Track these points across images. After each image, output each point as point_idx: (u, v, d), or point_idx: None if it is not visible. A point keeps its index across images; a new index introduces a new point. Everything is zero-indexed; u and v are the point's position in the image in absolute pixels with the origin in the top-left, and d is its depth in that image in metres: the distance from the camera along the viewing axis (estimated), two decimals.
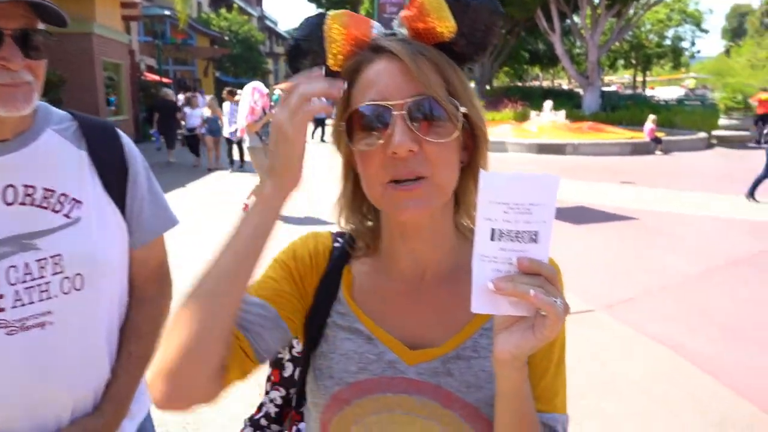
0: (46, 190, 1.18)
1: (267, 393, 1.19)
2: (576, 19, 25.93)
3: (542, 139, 17.86)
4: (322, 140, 18.78)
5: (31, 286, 1.15)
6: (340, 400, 0.90)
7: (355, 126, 0.83)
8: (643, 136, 17.53)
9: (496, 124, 20.90)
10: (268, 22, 62.18)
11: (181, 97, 18.23)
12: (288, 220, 8.27)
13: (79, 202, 1.22)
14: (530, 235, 0.69)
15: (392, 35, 0.86)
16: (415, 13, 0.82)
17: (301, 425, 1.08)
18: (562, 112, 20.55)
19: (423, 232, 0.90)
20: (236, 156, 13.60)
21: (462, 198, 0.92)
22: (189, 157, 14.78)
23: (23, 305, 1.14)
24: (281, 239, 1.02)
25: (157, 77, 24.75)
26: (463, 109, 0.82)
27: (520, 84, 46.65)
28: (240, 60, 40.35)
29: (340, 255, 0.98)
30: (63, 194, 1.20)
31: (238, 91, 19.93)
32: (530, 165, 14.77)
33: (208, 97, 15.07)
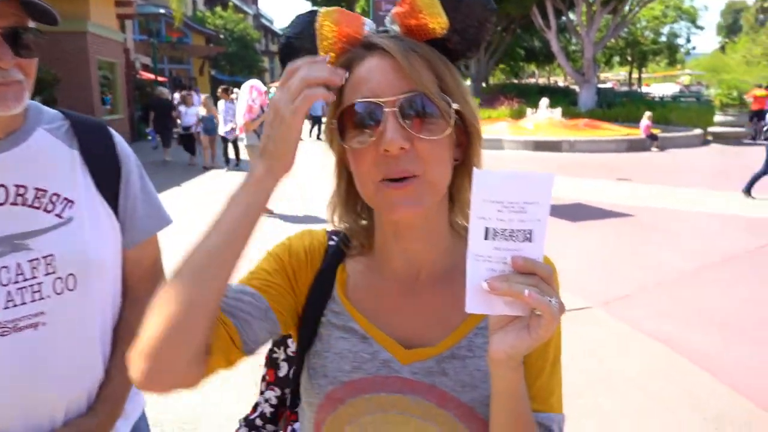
0: (38, 189, 1.18)
1: (262, 393, 1.18)
2: (572, 15, 25.96)
3: (538, 136, 17.88)
4: (319, 138, 18.77)
5: (24, 287, 1.14)
6: (334, 400, 0.90)
7: (346, 123, 0.82)
8: (639, 132, 17.56)
9: (493, 122, 20.92)
10: (263, 21, 62.09)
11: (177, 96, 18.18)
12: (283, 218, 8.26)
13: (71, 201, 1.21)
14: (525, 233, 0.68)
15: (384, 32, 0.85)
16: (406, 10, 0.82)
17: (296, 425, 1.07)
18: (558, 110, 20.57)
19: (417, 231, 0.90)
20: (232, 155, 13.58)
21: (456, 196, 0.92)
22: (184, 155, 14.76)
23: (15, 306, 1.13)
24: (275, 236, 1.01)
25: (152, 76, 24.67)
26: (455, 106, 0.82)
27: (516, 81, 46.67)
28: (236, 58, 40.30)
29: (335, 253, 0.98)
30: (55, 194, 1.19)
31: (236, 90, 19.90)
32: (526, 162, 14.79)
33: (203, 96, 15.02)
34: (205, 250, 0.76)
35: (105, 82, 18.34)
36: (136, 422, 1.41)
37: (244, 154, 13.11)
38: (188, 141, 14.68)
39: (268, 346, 1.19)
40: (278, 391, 1.17)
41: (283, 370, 1.16)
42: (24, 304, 1.14)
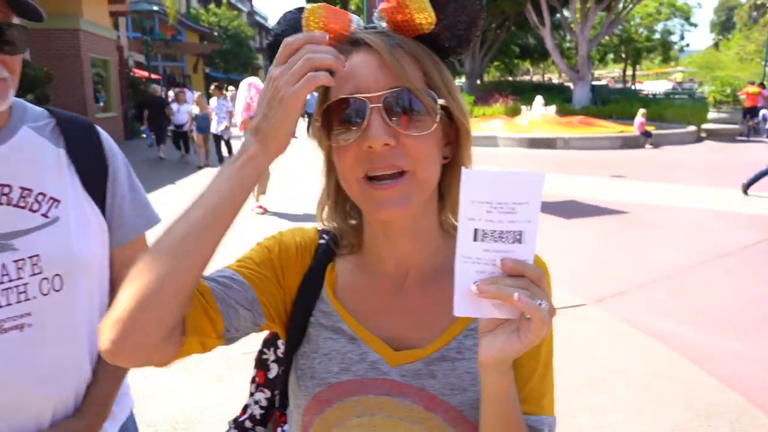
0: (23, 189, 1.16)
1: (252, 394, 1.17)
2: (566, 12, 25.98)
3: (533, 133, 17.90)
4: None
5: (9, 288, 1.12)
6: (321, 402, 0.89)
7: (332, 120, 0.81)
8: (633, 130, 17.60)
9: (487, 119, 20.95)
10: (257, 18, 61.90)
11: (171, 93, 18.11)
12: (276, 215, 8.24)
13: (57, 201, 1.19)
14: (514, 235, 0.67)
15: (372, 28, 0.84)
16: (393, 6, 0.81)
17: (286, 427, 1.06)
18: (553, 107, 20.59)
19: (405, 231, 0.89)
20: (225, 152, 13.53)
21: (446, 194, 0.91)
22: (178, 153, 14.69)
23: (1, 307, 1.11)
24: (265, 233, 1.00)
25: (146, 73, 24.58)
26: (441, 102, 0.81)
27: (510, 78, 46.70)
28: (230, 56, 40.17)
29: (325, 252, 0.97)
30: (41, 193, 1.18)
31: (231, 87, 19.84)
32: (521, 159, 14.80)
33: (196, 94, 14.96)
34: (186, 223, 0.74)
35: (98, 80, 18.24)
36: (124, 423, 1.40)
37: None
38: (179, 138, 14.61)
39: (252, 343, 1.17)
40: (268, 393, 1.15)
41: (273, 371, 1.15)
42: (9, 305, 1.12)
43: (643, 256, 6.55)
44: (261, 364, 1.16)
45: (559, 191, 9.84)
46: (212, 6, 42.49)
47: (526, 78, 57.10)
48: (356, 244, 0.95)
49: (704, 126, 19.72)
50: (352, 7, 27.58)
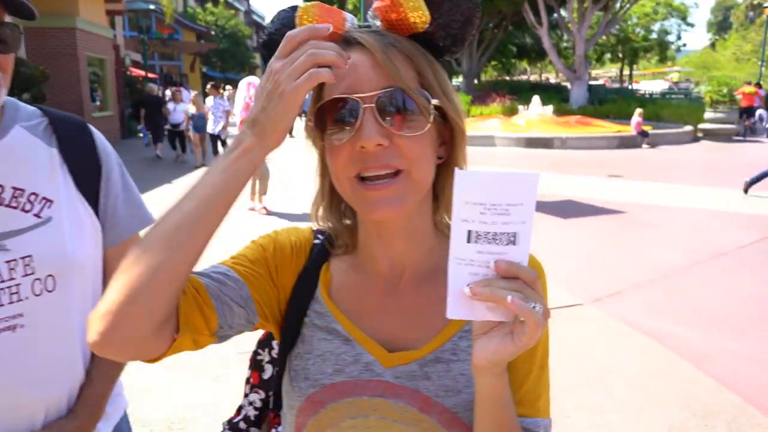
0: (16, 189, 1.15)
1: (246, 395, 1.17)
2: (563, 12, 25.98)
3: (530, 133, 17.92)
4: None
5: (1, 289, 1.11)
6: (315, 403, 0.88)
7: (326, 119, 0.81)
8: (630, 129, 17.62)
9: (485, 119, 20.97)
10: (255, 17, 61.80)
11: (168, 92, 18.07)
12: (274, 215, 8.23)
13: (49, 201, 1.18)
14: (508, 236, 0.66)
15: (366, 27, 0.83)
16: (387, 4, 0.80)
17: (280, 428, 1.05)
18: (550, 107, 20.61)
19: (400, 231, 0.88)
20: (221, 151, 13.50)
21: (441, 195, 0.90)
22: (173, 152, 14.65)
23: None
24: (259, 232, 1.00)
25: (142, 72, 24.52)
26: (435, 102, 0.80)
27: (507, 78, 46.71)
28: (227, 55, 40.12)
29: (320, 252, 0.96)
30: (33, 193, 1.17)
31: (228, 87, 19.73)
32: (518, 159, 14.81)
33: (192, 93, 14.92)
34: (178, 214, 0.72)
35: (95, 79, 18.19)
36: (118, 424, 1.39)
37: None
38: (173, 137, 14.56)
39: (248, 343, 1.17)
40: (263, 394, 1.15)
41: (268, 372, 1.14)
42: (2, 306, 1.11)
43: (639, 256, 6.55)
44: (256, 364, 1.16)
45: (556, 191, 9.85)
46: (209, 5, 42.44)
47: (524, 77, 57.12)
48: (351, 244, 0.95)
49: (701, 126, 19.77)
50: (350, 6, 27.56)
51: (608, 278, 5.75)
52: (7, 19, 1.12)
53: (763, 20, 34.88)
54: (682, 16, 46.77)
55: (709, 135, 19.32)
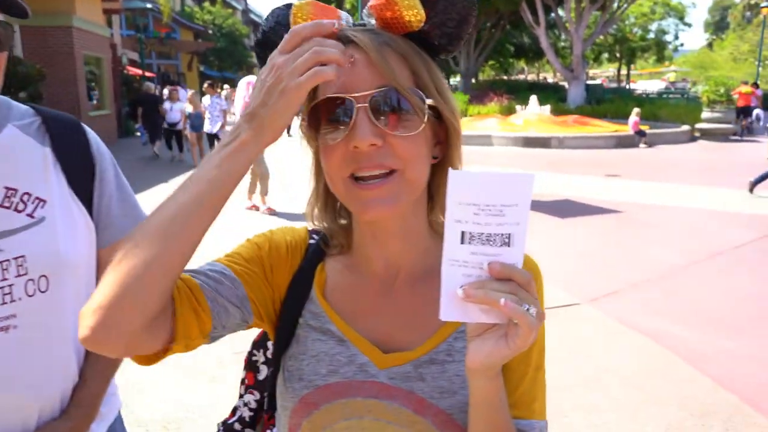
0: (8, 189, 1.14)
1: (241, 396, 1.16)
2: (561, 12, 25.99)
3: (528, 132, 17.93)
4: None
5: None
6: (309, 404, 0.87)
7: (320, 119, 0.80)
8: (628, 129, 17.64)
9: (482, 118, 20.97)
10: (252, 16, 61.71)
11: (165, 91, 18.04)
12: (273, 214, 8.22)
13: (43, 200, 1.17)
14: (503, 238, 0.65)
15: (361, 26, 0.82)
16: (383, 2, 0.79)
17: (275, 430, 1.05)
18: (547, 106, 20.62)
19: (394, 231, 0.88)
20: None
21: (436, 195, 0.89)
22: (174, 151, 14.62)
23: None
24: (255, 231, 0.99)
25: (140, 71, 24.47)
26: (429, 101, 0.79)
27: (505, 78, 46.75)
28: (224, 54, 40.07)
29: (315, 252, 0.96)
30: (26, 193, 1.15)
31: (226, 86, 19.62)
32: (516, 158, 14.82)
33: (189, 92, 14.89)
34: (173, 207, 0.71)
35: (91, 78, 18.14)
36: (112, 424, 1.38)
37: None
38: (170, 136, 14.52)
39: (244, 342, 1.16)
40: (257, 395, 1.14)
41: (263, 373, 1.13)
42: None
43: (637, 256, 6.56)
44: (251, 365, 1.15)
45: (554, 190, 9.86)
46: (207, 4, 42.37)
47: (521, 77, 57.18)
48: (346, 244, 0.94)
49: (698, 125, 19.80)
50: (347, 5, 27.54)
51: (605, 278, 5.76)
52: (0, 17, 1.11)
53: (761, 20, 34.95)
54: (680, 15, 46.87)
55: (707, 135, 19.35)
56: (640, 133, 17.26)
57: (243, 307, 0.85)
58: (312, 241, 0.97)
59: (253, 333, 1.11)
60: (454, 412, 0.84)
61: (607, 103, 24.60)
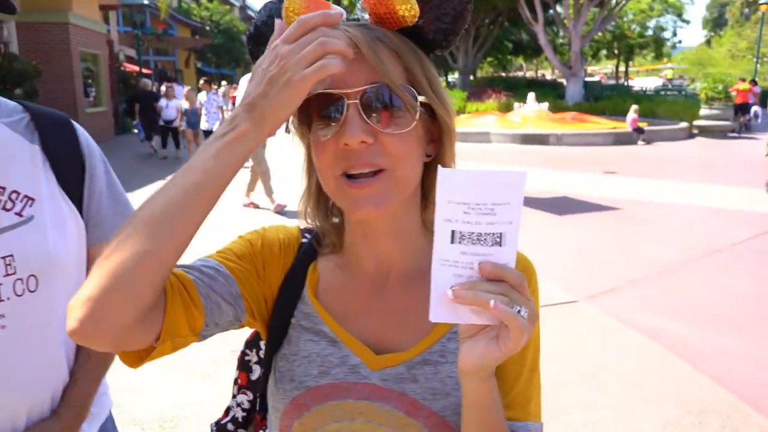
0: None
1: (234, 396, 1.15)
2: (559, 9, 25.96)
3: (526, 129, 17.92)
4: None
5: None
6: (300, 406, 0.86)
7: (311, 114, 0.78)
8: (626, 126, 17.64)
9: (480, 115, 20.94)
10: (250, 12, 61.53)
11: (164, 88, 18.01)
12: (268, 213, 8.20)
13: (31, 199, 1.15)
14: (494, 237, 0.63)
15: (355, 20, 0.81)
16: None
17: (267, 431, 1.03)
18: (546, 103, 20.60)
19: (386, 230, 0.86)
20: None
21: (429, 193, 0.88)
22: (170, 148, 14.58)
23: None
24: (250, 228, 0.97)
25: (137, 68, 24.40)
26: (421, 99, 0.77)
27: (503, 74, 46.72)
28: (222, 50, 39.96)
29: (307, 251, 0.94)
30: (14, 191, 1.14)
31: (224, 83, 19.57)
32: (514, 155, 14.82)
33: (185, 88, 14.84)
34: (167, 197, 0.69)
35: (88, 74, 18.07)
36: (103, 424, 1.36)
37: None
38: (166, 134, 14.48)
39: (240, 341, 1.14)
40: (250, 395, 1.13)
41: (256, 373, 1.12)
42: None
43: (635, 253, 6.55)
44: (243, 365, 1.14)
45: (552, 187, 9.85)
46: (204, 0, 42.24)
47: (519, 74, 57.17)
48: (338, 243, 0.93)
49: (696, 122, 19.80)
50: (345, 2, 27.48)
51: (603, 275, 5.75)
52: None
53: (759, 17, 34.97)
54: (678, 12, 46.83)
55: (705, 132, 19.35)
56: (639, 130, 17.26)
57: (236, 304, 0.84)
58: (304, 240, 0.96)
59: (249, 331, 1.10)
60: (447, 414, 0.83)
61: (605, 100, 24.59)
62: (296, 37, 0.68)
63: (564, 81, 28.16)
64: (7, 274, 1.11)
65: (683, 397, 3.50)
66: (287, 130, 0.86)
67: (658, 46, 47.80)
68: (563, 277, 5.48)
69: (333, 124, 0.76)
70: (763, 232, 7.27)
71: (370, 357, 0.86)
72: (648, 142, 17.26)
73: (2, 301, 1.11)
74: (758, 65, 29.81)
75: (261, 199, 8.56)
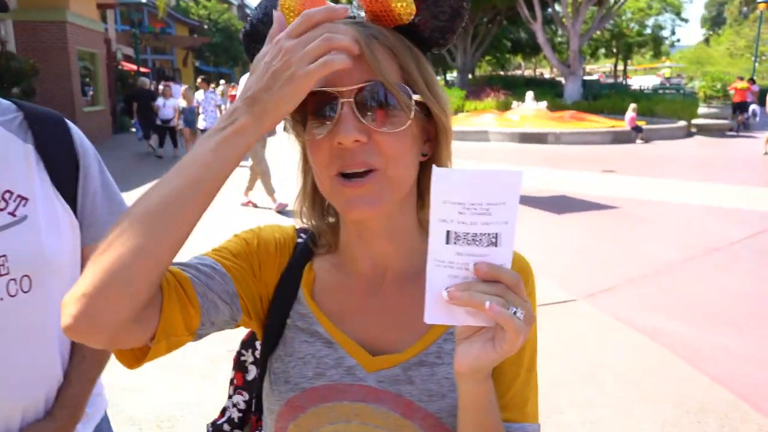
0: None
1: (230, 397, 1.14)
2: (557, 7, 25.95)
3: (524, 128, 17.92)
4: None
5: None
6: (295, 407, 0.85)
7: (306, 113, 0.77)
8: (624, 124, 17.65)
9: (479, 114, 20.95)
10: (248, 11, 61.45)
11: (161, 87, 17.99)
12: (266, 212, 8.19)
13: (25, 198, 1.14)
14: (490, 237, 0.62)
15: (350, 18, 0.80)
16: None
17: None
18: (544, 102, 20.61)
19: (381, 230, 0.85)
20: None
21: (426, 193, 0.87)
22: (168, 147, 14.56)
23: None
24: (246, 227, 0.96)
25: (134, 67, 24.35)
26: (416, 97, 0.76)
27: (502, 73, 46.70)
28: (220, 49, 39.90)
29: (303, 251, 0.93)
30: (8, 191, 1.13)
31: (222, 81, 19.51)
32: (512, 154, 14.82)
33: (183, 87, 14.80)
34: (164, 192, 0.67)
35: (86, 73, 18.03)
36: (98, 425, 1.36)
37: None
38: (163, 133, 14.44)
39: (238, 341, 1.14)
40: (246, 396, 1.12)
41: (252, 373, 1.11)
42: None
43: (633, 251, 6.55)
44: (239, 365, 1.13)
45: (550, 186, 9.86)
46: None
47: (518, 73, 57.16)
48: (334, 243, 0.92)
49: (694, 121, 19.82)
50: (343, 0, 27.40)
51: (601, 274, 5.75)
52: None
53: (757, 16, 34.99)
54: (677, 11, 46.88)
55: (703, 130, 19.37)
56: (637, 129, 17.27)
57: (232, 303, 0.83)
58: (300, 240, 0.95)
59: (245, 331, 1.09)
60: (443, 416, 0.82)
61: (603, 98, 24.59)
62: (301, 32, 0.67)
63: (562, 80, 28.16)
64: (1, 275, 1.10)
65: (682, 396, 3.50)
66: (286, 129, 0.85)
67: (656, 45, 47.82)
68: (561, 276, 5.48)
69: (327, 122, 0.75)
70: (761, 231, 7.28)
71: (365, 358, 0.85)
72: (646, 140, 17.27)
73: None
74: (756, 64, 29.83)
75: (260, 198, 8.55)
